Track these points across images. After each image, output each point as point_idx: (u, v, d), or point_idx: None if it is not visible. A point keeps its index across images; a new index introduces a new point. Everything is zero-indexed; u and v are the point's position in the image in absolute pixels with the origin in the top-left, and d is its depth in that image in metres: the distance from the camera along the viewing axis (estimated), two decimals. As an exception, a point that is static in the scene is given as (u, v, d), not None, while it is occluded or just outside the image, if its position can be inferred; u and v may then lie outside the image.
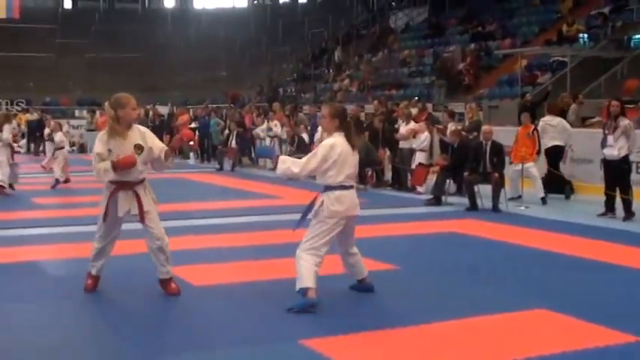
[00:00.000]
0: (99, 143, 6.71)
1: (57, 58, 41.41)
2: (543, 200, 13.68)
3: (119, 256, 8.89)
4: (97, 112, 32.70)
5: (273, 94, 33.90)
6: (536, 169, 14.00)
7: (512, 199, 13.64)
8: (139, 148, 6.71)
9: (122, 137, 6.68)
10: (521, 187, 13.59)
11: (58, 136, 17.18)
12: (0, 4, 41.51)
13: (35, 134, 28.77)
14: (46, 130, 21.27)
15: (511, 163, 14.15)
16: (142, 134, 6.85)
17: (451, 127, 15.63)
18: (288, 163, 6.64)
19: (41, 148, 26.35)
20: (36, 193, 15.46)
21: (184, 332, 5.91)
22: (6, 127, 15.19)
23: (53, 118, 27.61)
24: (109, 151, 6.65)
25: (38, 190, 15.96)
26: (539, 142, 14.14)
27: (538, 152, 14.15)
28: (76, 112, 35.61)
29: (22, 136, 31.51)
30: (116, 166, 6.58)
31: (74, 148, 30.57)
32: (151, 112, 29.46)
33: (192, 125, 25.20)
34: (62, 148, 16.93)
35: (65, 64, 41.28)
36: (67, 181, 16.75)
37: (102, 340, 5.85)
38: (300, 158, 6.75)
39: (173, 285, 6.98)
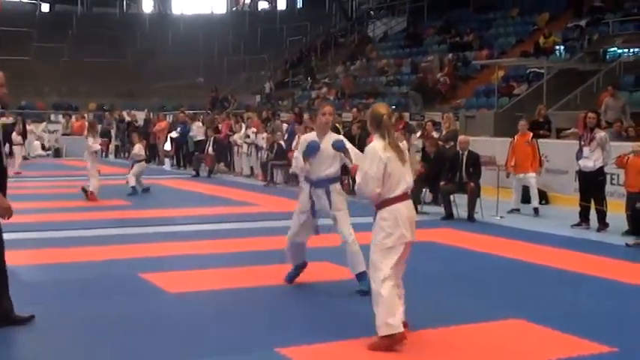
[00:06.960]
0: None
1: (33, 61, 41.06)
2: (536, 211, 13.68)
3: (93, 262, 8.86)
4: (73, 117, 32.45)
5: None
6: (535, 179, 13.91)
7: (513, 210, 13.72)
8: None
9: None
10: (497, 197, 13.66)
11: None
12: (-24, 8, 41.29)
13: (11, 138, 28.55)
14: (14, 135, 21.34)
15: (514, 173, 13.94)
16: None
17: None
18: None
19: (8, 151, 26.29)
20: (11, 198, 15.32)
21: (157, 340, 5.86)
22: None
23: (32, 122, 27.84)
24: None
25: (13, 194, 15.77)
26: (539, 151, 13.91)
27: (540, 163, 14.01)
28: (52, 117, 35.22)
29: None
30: None
31: (49, 152, 30.37)
32: (126, 117, 29.26)
33: (174, 135, 24.92)
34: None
35: (42, 68, 40.95)
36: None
37: (71, 346, 5.76)
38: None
39: None
